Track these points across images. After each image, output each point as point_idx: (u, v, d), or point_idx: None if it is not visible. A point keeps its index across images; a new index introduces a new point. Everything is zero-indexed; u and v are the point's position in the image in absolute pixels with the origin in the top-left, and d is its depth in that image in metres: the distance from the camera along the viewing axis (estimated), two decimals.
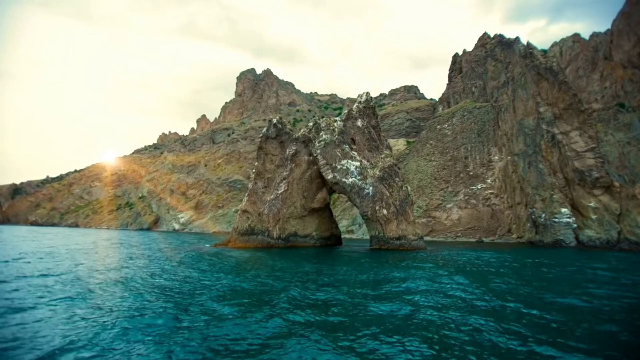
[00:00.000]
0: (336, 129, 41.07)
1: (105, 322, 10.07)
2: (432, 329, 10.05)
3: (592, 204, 47.88)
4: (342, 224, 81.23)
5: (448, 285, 16.38)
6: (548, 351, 8.40)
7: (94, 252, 30.25)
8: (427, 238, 66.20)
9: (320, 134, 41.08)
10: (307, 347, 8.46)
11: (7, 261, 22.64)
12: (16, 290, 13.82)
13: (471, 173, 76.96)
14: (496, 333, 9.69)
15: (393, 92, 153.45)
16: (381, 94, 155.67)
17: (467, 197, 75.16)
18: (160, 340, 8.76)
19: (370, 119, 42.64)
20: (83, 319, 10.35)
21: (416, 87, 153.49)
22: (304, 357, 7.95)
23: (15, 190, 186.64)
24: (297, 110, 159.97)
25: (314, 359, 7.86)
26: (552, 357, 8.09)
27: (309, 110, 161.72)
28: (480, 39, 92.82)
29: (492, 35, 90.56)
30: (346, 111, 43.93)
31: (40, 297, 12.98)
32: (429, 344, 8.87)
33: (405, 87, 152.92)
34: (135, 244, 41.23)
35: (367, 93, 44.47)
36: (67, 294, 13.65)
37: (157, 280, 16.90)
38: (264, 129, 44.61)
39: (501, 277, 19.77)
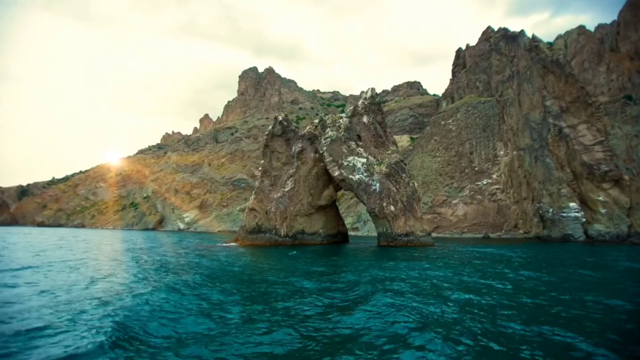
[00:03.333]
0: (342, 126, 40.90)
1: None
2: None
3: (601, 198, 47.39)
4: (347, 221, 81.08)
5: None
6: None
7: (131, 255, 29.44)
8: (433, 234, 65.78)
9: (326, 130, 40.93)
10: None
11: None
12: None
13: (476, 168, 76.50)
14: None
15: (396, 89, 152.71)
16: (384, 91, 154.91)
17: (472, 192, 74.73)
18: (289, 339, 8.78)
19: (376, 115, 42.41)
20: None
21: (419, 82, 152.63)
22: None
23: (22, 192, 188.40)
24: (300, 108, 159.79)
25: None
26: None
27: (312, 108, 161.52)
28: (484, 33, 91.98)
29: (496, 29, 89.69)
30: (351, 107, 43.74)
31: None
32: None
33: (407, 83, 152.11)
34: (157, 245, 40.83)
35: (373, 89, 44.22)
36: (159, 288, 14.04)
37: (220, 279, 16.63)
38: (270, 127, 44.55)
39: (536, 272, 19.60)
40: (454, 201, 75.45)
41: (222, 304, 11.68)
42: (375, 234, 45.50)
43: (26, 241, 46.35)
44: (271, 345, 8.17)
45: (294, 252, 31.26)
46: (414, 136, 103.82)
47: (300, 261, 24.58)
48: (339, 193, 67.50)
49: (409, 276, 17.58)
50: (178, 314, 10.46)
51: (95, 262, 23.02)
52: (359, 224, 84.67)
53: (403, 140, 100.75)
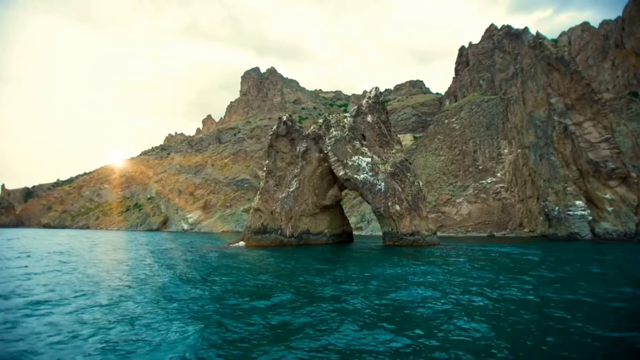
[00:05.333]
0: (346, 125, 40.85)
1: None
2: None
3: (608, 196, 47.01)
4: (351, 221, 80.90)
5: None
6: None
7: (156, 258, 28.12)
8: (437, 233, 65.85)
9: (331, 130, 40.90)
10: None
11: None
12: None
13: (480, 167, 76.16)
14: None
15: (398, 88, 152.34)
16: (386, 90, 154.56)
17: (476, 191, 74.40)
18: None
19: (380, 114, 42.31)
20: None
21: (421, 81, 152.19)
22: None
23: (28, 194, 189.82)
24: (303, 108, 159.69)
25: None
26: None
27: (314, 108, 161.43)
28: (487, 31, 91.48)
29: (499, 26, 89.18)
30: (356, 107, 43.68)
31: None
32: None
33: (410, 82, 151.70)
34: (173, 246, 40.28)
35: (377, 88, 44.12)
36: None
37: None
38: (274, 127, 44.55)
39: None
40: (458, 200, 75.15)
41: (281, 305, 11.73)
42: (379, 234, 45.37)
43: (47, 243, 45.97)
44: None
45: (315, 251, 31.36)
46: (417, 135, 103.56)
47: (321, 262, 24.35)
48: (343, 193, 67.68)
49: (426, 271, 18.05)
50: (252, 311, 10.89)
51: (133, 267, 22.20)
52: (363, 223, 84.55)
53: (406, 140, 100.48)
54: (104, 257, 27.09)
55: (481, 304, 11.26)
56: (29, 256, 27.35)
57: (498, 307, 10.98)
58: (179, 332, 8.79)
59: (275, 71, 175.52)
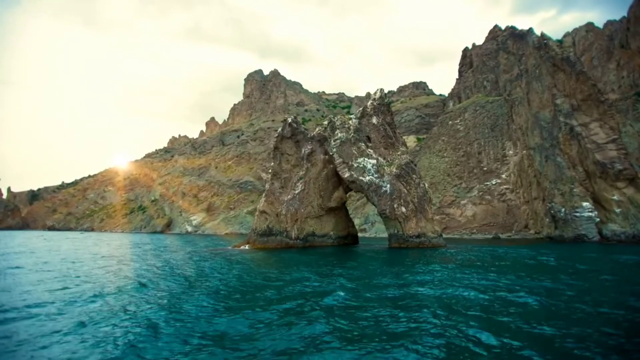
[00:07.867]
0: (351, 127, 40.83)
1: None
2: None
3: (615, 197, 46.58)
4: (354, 223, 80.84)
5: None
6: None
7: (177, 263, 26.86)
8: (442, 235, 65.51)
9: (336, 132, 40.90)
10: None
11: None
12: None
13: (485, 168, 75.78)
14: None
15: (401, 89, 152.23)
16: (389, 91, 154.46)
17: (481, 193, 74.00)
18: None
19: (385, 116, 42.28)
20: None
21: (425, 83, 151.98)
22: None
23: (33, 196, 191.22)
24: (306, 110, 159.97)
25: None
26: None
27: (317, 110, 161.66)
28: (491, 32, 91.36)
29: (503, 27, 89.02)
30: (361, 108, 43.68)
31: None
32: None
33: (413, 83, 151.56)
34: (188, 248, 40.35)
35: (381, 90, 44.12)
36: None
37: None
38: (279, 129, 44.62)
39: None
40: (463, 202, 74.78)
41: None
42: (383, 235, 45.32)
43: (70, 247, 45.59)
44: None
45: (324, 254, 31.26)
46: (421, 137, 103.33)
47: (338, 263, 24.14)
48: (347, 194, 67.31)
49: (450, 271, 18.63)
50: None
51: (169, 271, 21.63)
52: (367, 225, 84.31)
53: (410, 141, 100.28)
54: (135, 263, 26.55)
55: (536, 303, 11.51)
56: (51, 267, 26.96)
57: (549, 303, 11.33)
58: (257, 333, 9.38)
59: (279, 73, 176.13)
